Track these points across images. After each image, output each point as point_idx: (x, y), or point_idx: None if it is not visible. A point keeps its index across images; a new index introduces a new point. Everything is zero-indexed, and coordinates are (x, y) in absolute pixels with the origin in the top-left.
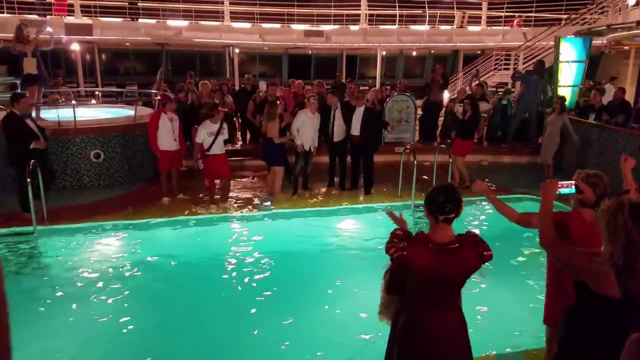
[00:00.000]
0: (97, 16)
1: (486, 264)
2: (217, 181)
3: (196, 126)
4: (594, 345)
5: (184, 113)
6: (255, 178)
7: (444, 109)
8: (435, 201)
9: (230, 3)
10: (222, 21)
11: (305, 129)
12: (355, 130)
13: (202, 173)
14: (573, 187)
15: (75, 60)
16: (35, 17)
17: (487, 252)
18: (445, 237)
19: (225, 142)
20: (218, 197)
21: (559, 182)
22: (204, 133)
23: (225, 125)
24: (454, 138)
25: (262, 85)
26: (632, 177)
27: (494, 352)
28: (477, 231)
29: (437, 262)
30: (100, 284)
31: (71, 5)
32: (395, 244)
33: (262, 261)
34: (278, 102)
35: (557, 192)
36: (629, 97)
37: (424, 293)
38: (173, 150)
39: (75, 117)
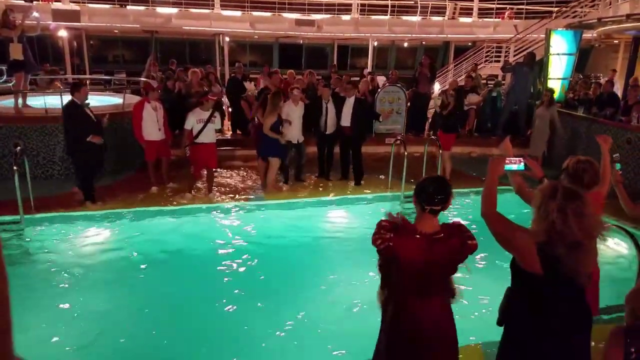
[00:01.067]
0: (85, 2)
1: (479, 254)
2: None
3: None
4: (523, 318)
5: (170, 102)
6: (247, 169)
7: (434, 101)
8: (425, 191)
9: None
10: (212, 9)
11: (292, 120)
12: (346, 121)
13: (191, 160)
14: (522, 164)
15: (63, 47)
16: (21, 2)
17: (472, 241)
18: (431, 227)
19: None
20: (200, 185)
21: (507, 158)
22: (193, 120)
23: (217, 114)
24: (437, 131)
25: (250, 85)
26: (609, 164)
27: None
28: (463, 222)
29: (423, 252)
30: (87, 273)
31: None
32: (381, 235)
33: (251, 252)
34: (281, 93)
35: (505, 168)
36: (618, 90)
37: (410, 282)
38: (158, 140)
39: (62, 105)
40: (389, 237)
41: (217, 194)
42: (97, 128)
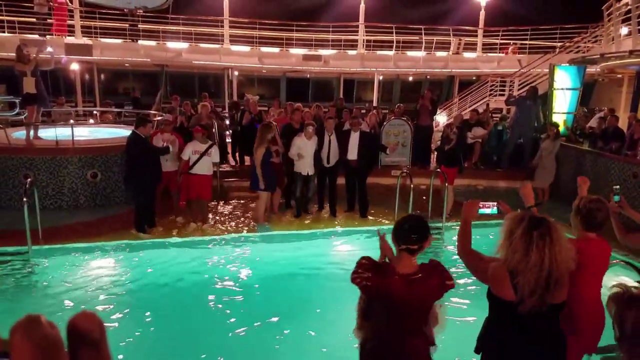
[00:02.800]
0: (97, 37)
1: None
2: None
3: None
4: (499, 343)
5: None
6: (249, 199)
7: (440, 134)
8: (401, 229)
9: (230, 26)
10: (222, 44)
11: (303, 155)
12: (352, 154)
13: (180, 189)
14: (495, 208)
15: (74, 79)
16: (35, 37)
17: (449, 281)
18: (409, 268)
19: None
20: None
21: (481, 203)
22: (189, 150)
23: (214, 148)
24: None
25: (252, 96)
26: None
27: None
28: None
29: (401, 292)
30: (93, 305)
31: (71, 26)
32: (360, 274)
33: (250, 284)
34: (271, 125)
35: (478, 212)
36: (623, 124)
37: (389, 320)
38: (168, 171)
39: (73, 137)
40: (367, 276)
41: (218, 225)
42: (160, 155)
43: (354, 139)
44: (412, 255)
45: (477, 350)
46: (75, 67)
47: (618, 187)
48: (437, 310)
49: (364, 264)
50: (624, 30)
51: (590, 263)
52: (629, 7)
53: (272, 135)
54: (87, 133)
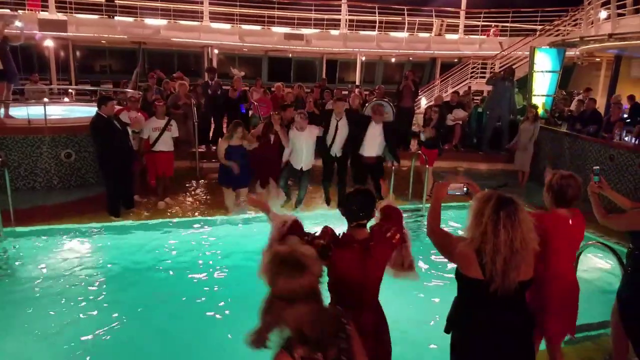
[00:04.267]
0: (72, 12)
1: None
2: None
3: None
4: (468, 321)
5: (149, 113)
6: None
7: (423, 116)
8: (349, 209)
9: (210, 3)
10: (202, 21)
11: (294, 146)
12: (371, 150)
13: (146, 168)
14: (465, 188)
15: (49, 56)
16: (7, 11)
17: (395, 236)
18: (363, 234)
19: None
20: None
21: (451, 184)
22: (149, 128)
23: (173, 123)
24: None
25: (236, 71)
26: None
27: None
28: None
29: (359, 264)
30: (66, 288)
31: (46, 0)
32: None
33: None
34: (240, 125)
35: (448, 192)
36: (600, 107)
37: (343, 294)
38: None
39: (46, 115)
40: (329, 242)
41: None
42: (126, 137)
43: (376, 130)
44: (363, 228)
45: (446, 330)
46: (49, 43)
47: (597, 167)
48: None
49: (326, 231)
50: (603, 13)
51: (558, 237)
52: None
53: (241, 134)
54: (61, 112)
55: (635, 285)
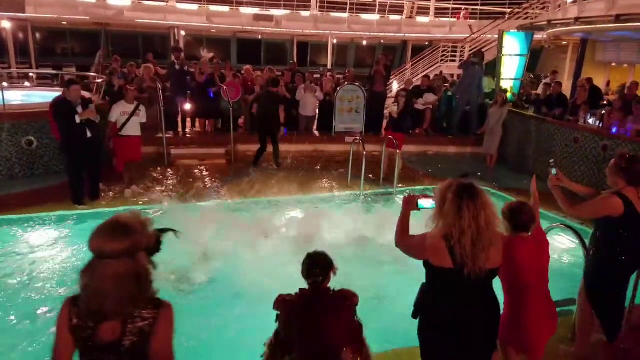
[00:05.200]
0: None
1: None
2: None
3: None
4: (436, 306)
5: (112, 98)
6: (203, 167)
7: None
8: (304, 269)
9: None
10: (167, 2)
11: None
12: None
13: (113, 153)
14: (433, 203)
15: (6, 38)
16: None
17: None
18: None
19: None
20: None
21: (421, 197)
22: (117, 112)
23: (142, 108)
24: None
25: (205, 53)
26: (538, 199)
27: None
28: None
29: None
30: (25, 279)
31: None
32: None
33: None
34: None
35: (418, 205)
36: (566, 90)
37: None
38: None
39: (4, 101)
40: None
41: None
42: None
43: None
44: (322, 285)
45: (414, 316)
46: (6, 25)
47: (553, 160)
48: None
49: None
50: None
51: (526, 260)
52: None
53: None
54: (22, 97)
55: (598, 266)
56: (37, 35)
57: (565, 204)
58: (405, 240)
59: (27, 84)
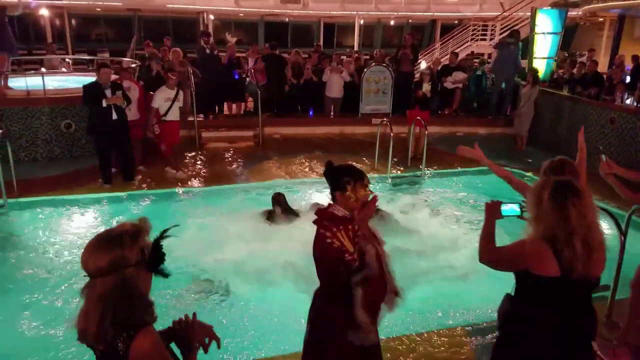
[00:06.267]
0: None
1: None
2: None
3: (151, 92)
4: (536, 331)
5: (149, 82)
6: (231, 150)
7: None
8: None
9: None
10: None
11: None
12: None
13: (159, 138)
14: (518, 208)
15: (44, 26)
16: None
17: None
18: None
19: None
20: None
21: (503, 203)
22: (161, 98)
23: (181, 93)
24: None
25: (230, 37)
26: (584, 156)
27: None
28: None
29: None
30: (70, 259)
31: None
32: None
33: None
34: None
35: (502, 213)
36: (602, 68)
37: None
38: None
39: (44, 86)
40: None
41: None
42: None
43: None
44: (343, 193)
45: (500, 328)
46: (44, 12)
47: (602, 147)
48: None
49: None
50: None
51: None
52: None
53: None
54: (59, 82)
55: None
56: (73, 21)
57: (625, 193)
58: (494, 253)
59: (63, 69)
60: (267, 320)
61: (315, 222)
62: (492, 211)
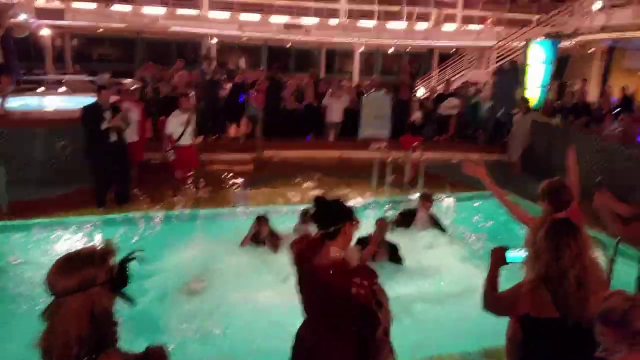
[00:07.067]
0: (69, 0)
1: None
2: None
3: (163, 117)
4: None
5: (156, 105)
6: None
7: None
8: (313, 216)
9: None
10: (200, 10)
11: None
12: None
13: (174, 164)
14: (523, 253)
15: (45, 45)
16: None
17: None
18: (325, 258)
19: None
20: (188, 188)
21: (508, 248)
22: (176, 123)
23: (193, 116)
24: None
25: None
26: (576, 174)
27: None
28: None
29: (310, 280)
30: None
31: None
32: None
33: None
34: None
35: (507, 259)
36: (593, 97)
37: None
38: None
39: (40, 107)
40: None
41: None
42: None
43: None
44: (333, 241)
45: None
46: (46, 32)
47: (600, 177)
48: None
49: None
50: (598, 4)
51: None
52: None
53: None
54: (58, 102)
55: None
56: (75, 41)
57: (617, 226)
58: (495, 299)
59: (63, 89)
60: (253, 341)
61: (332, 275)
62: (497, 258)
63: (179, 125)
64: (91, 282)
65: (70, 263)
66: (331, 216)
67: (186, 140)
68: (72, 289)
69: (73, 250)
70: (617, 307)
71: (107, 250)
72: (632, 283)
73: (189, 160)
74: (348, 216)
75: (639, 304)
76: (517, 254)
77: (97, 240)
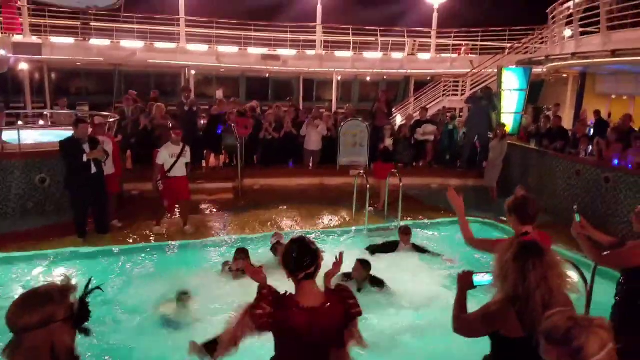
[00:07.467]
0: (47, 35)
1: None
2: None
3: (157, 149)
4: None
5: (137, 137)
6: (210, 203)
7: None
8: (291, 260)
9: (187, 25)
10: (178, 43)
11: None
12: None
13: (162, 194)
14: (490, 277)
15: (23, 79)
16: None
17: (356, 309)
18: (313, 298)
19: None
20: (174, 218)
21: (475, 273)
22: (166, 154)
23: (187, 148)
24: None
25: (219, 93)
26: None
27: None
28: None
29: (305, 324)
30: None
31: (20, 24)
32: (259, 314)
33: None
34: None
35: (474, 283)
36: (568, 122)
37: (297, 354)
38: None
39: (19, 140)
40: (269, 312)
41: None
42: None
43: None
44: (312, 280)
45: None
46: (24, 66)
47: (576, 206)
48: (354, 330)
49: (265, 295)
50: (568, 32)
51: None
52: (571, 10)
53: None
54: (36, 136)
55: (625, 318)
56: (53, 75)
57: (592, 253)
58: (465, 321)
59: (41, 122)
60: None
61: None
62: (464, 282)
63: (169, 157)
64: (51, 319)
65: (30, 300)
66: (310, 257)
67: (177, 171)
68: (33, 325)
69: (31, 287)
70: (559, 325)
71: (67, 287)
72: (609, 306)
73: (179, 191)
74: (318, 253)
75: (580, 322)
76: (483, 278)
77: (71, 273)
